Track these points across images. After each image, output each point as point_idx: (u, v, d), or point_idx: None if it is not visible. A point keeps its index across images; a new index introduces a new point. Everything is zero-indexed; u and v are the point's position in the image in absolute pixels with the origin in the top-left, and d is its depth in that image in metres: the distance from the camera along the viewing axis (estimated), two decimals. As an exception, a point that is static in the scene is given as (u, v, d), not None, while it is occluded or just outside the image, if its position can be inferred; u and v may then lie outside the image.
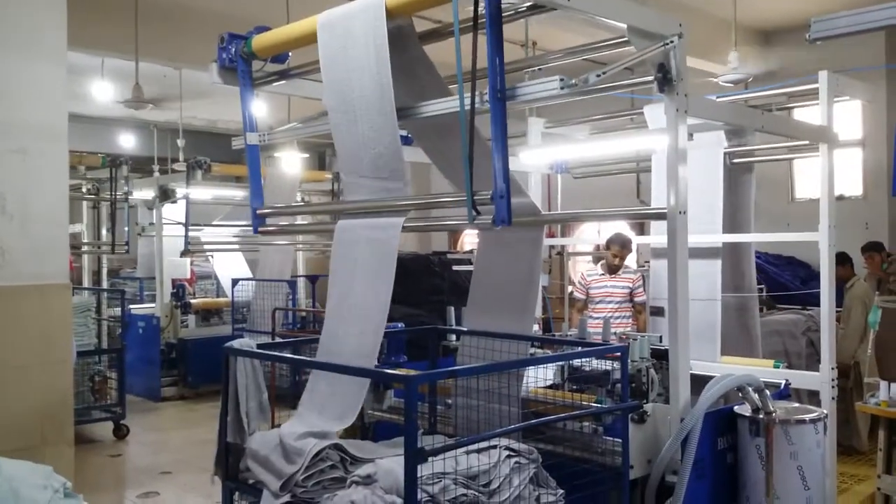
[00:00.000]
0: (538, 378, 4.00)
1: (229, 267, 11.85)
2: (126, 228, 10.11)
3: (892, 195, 3.17)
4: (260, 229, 4.35)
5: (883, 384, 5.46)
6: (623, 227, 8.03)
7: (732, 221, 5.59)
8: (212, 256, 12.32)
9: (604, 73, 3.16)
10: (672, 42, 3.49)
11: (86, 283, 11.23)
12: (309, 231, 6.13)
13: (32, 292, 5.01)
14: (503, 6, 3.10)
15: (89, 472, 7.11)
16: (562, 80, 3.03)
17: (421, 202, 3.53)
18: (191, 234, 10.15)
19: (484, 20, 3.01)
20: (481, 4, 2.98)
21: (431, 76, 3.64)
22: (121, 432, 8.58)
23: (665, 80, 3.55)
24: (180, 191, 10.40)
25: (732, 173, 5.69)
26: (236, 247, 11.55)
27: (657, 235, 5.49)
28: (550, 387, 4.10)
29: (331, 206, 4.55)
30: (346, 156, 3.63)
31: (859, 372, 6.51)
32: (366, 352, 3.40)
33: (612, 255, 7.03)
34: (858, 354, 7.06)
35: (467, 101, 3.01)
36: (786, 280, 9.77)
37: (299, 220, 8.13)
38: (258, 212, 4.28)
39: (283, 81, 4.38)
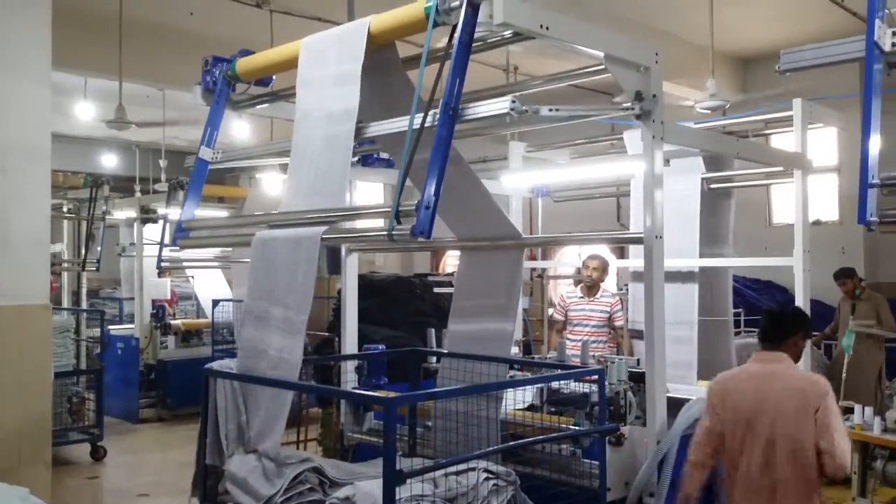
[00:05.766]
0: (517, 400, 4.03)
1: (210, 287, 11.80)
2: (100, 248, 10.07)
3: (858, 223, 3.22)
4: (179, 242, 4.35)
5: (857, 408, 5.53)
6: (603, 250, 8.06)
7: (711, 246, 5.64)
8: (192, 277, 12.26)
9: (556, 108, 3.22)
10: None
11: (65, 303, 11.15)
12: (230, 244, 6.28)
13: (11, 313, 4.98)
14: (484, 34, 3.16)
15: (66, 494, 7.03)
16: (513, 101, 3.03)
17: (343, 214, 3.54)
18: (170, 253, 10.08)
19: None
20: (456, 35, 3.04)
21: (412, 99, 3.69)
22: (98, 454, 8.48)
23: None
24: (160, 211, 10.38)
25: (711, 198, 5.76)
26: (215, 264, 11.49)
27: (636, 259, 5.53)
28: (529, 409, 4.12)
29: (254, 219, 4.59)
30: (295, 172, 3.67)
31: None
32: (291, 364, 3.45)
33: (592, 269, 6.94)
34: None
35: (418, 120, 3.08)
36: (763, 304, 9.87)
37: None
38: (184, 224, 4.28)
39: (265, 105, 4.43)
